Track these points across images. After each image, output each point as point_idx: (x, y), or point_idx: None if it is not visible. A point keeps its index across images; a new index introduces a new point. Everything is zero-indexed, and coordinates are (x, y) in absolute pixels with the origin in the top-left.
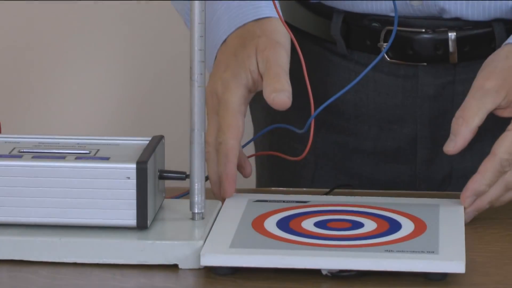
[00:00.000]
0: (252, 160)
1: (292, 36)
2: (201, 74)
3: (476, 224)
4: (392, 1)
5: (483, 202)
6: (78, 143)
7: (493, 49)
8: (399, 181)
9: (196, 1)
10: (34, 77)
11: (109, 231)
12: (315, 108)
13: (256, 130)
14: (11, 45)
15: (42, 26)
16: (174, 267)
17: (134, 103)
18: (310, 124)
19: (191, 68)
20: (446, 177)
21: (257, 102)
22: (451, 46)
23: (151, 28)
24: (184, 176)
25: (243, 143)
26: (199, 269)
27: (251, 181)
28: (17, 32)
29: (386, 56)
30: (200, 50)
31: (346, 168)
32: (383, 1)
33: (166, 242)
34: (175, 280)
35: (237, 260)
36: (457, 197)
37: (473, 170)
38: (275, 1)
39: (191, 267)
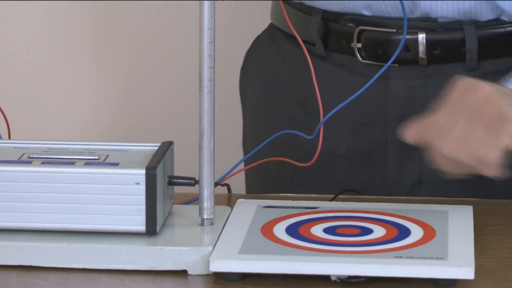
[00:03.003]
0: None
1: (304, 48)
2: (210, 80)
3: (485, 230)
4: (360, 3)
5: None
6: (87, 149)
7: (464, 53)
8: (370, 185)
9: (205, 6)
10: (42, 80)
11: (118, 237)
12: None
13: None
14: (17, 47)
15: (50, 26)
16: (183, 273)
17: (144, 107)
18: (320, 130)
19: (200, 74)
20: (416, 181)
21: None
22: (421, 48)
23: (161, 29)
24: (194, 182)
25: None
26: (208, 275)
27: (241, 183)
28: (23, 33)
29: (359, 57)
30: (209, 56)
31: (322, 172)
32: (360, 3)
33: (175, 248)
34: (184, 286)
35: (247, 266)
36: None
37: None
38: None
39: (200, 273)
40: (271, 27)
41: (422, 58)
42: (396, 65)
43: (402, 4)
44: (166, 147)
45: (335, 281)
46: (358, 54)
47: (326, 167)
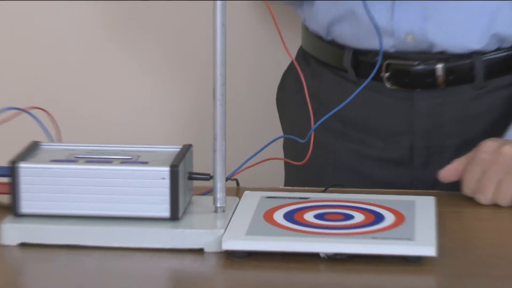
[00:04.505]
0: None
1: (293, 59)
2: (222, 95)
3: (447, 216)
4: (388, 39)
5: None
6: (122, 150)
7: (473, 76)
8: (399, 182)
9: (218, 30)
10: (89, 85)
11: (147, 222)
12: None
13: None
14: (66, 52)
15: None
16: (200, 251)
17: (168, 115)
18: (311, 135)
19: (214, 90)
20: (435, 181)
21: (284, 117)
22: (439, 76)
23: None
24: (209, 177)
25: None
26: (220, 252)
27: (281, 179)
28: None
29: (387, 84)
30: (221, 75)
31: (358, 170)
32: (386, 41)
33: (193, 230)
34: (201, 262)
35: (252, 245)
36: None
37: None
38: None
39: (214, 251)
40: (304, 52)
41: (440, 83)
42: (419, 89)
43: (379, 38)
44: (187, 149)
45: (323, 257)
46: (387, 82)
47: (364, 166)
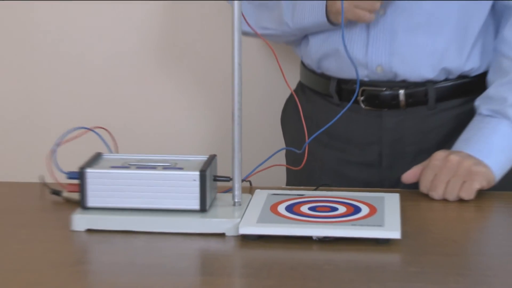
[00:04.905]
0: (283, 169)
1: (292, 91)
2: (239, 116)
3: (410, 209)
4: (363, 70)
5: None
6: (164, 159)
7: (427, 100)
8: (371, 181)
9: (236, 69)
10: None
11: (183, 213)
12: (311, 137)
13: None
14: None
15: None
16: (222, 235)
17: (200, 132)
18: (305, 147)
19: (232, 113)
20: (399, 179)
21: (286, 129)
22: (401, 99)
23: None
24: (229, 179)
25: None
26: (237, 236)
27: (283, 180)
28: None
29: (362, 105)
30: (238, 102)
31: (340, 172)
32: (361, 72)
33: (217, 219)
34: (223, 243)
35: (261, 230)
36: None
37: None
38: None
39: (233, 235)
40: (301, 84)
41: (402, 105)
42: (386, 109)
43: (356, 73)
44: (212, 158)
45: (315, 239)
46: (362, 104)
47: (344, 169)
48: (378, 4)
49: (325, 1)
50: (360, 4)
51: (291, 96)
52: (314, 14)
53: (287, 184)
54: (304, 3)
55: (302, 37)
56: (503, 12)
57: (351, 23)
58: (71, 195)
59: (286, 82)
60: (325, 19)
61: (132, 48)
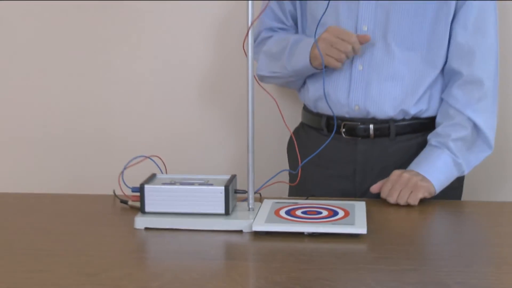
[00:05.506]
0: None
1: (291, 132)
2: (252, 152)
3: (374, 212)
4: (345, 109)
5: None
6: (199, 178)
7: (389, 133)
8: (347, 191)
9: (250, 121)
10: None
11: (212, 216)
12: (303, 161)
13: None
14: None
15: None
16: (240, 232)
17: (225, 160)
18: (299, 169)
19: (247, 145)
20: (368, 189)
21: (291, 153)
22: (371, 132)
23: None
24: (245, 192)
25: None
26: (251, 232)
27: (285, 192)
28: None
29: (343, 135)
30: (251, 147)
31: (326, 184)
32: (343, 110)
33: (237, 220)
34: (241, 237)
35: (268, 228)
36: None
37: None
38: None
39: (248, 231)
40: (302, 122)
41: (371, 136)
42: (360, 138)
43: (334, 121)
44: (233, 177)
45: (306, 234)
46: (343, 134)
47: (328, 181)
48: (343, 56)
49: (310, 48)
50: (330, 53)
51: (294, 132)
52: (302, 58)
53: (289, 193)
54: (297, 49)
55: (302, 80)
56: (451, 75)
57: (338, 72)
58: (134, 203)
59: (285, 124)
60: (308, 63)
61: (184, 89)
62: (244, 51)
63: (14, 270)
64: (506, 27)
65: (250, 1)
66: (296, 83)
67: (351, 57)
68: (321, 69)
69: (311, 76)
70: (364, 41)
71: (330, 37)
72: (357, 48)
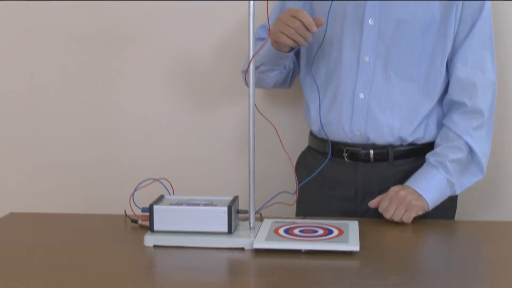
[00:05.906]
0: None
1: (292, 162)
2: (253, 179)
3: (366, 231)
4: (348, 135)
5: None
6: (203, 198)
7: (388, 158)
8: (349, 210)
9: (251, 150)
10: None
11: (216, 234)
12: (301, 183)
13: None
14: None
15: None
16: (242, 249)
17: (229, 183)
18: (296, 190)
19: (249, 173)
20: (368, 208)
21: (301, 171)
22: (371, 157)
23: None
24: (247, 212)
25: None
26: (252, 249)
27: (285, 212)
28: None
29: (346, 159)
30: (253, 172)
31: (329, 203)
32: (346, 136)
33: (239, 238)
34: (243, 254)
35: (268, 245)
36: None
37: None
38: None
39: (249, 248)
40: (308, 146)
41: (371, 160)
42: (361, 162)
43: (329, 146)
44: (235, 198)
45: (303, 251)
46: (346, 158)
47: (331, 201)
48: (292, 31)
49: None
50: (282, 29)
51: (300, 156)
52: (267, 43)
53: (296, 212)
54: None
55: (281, 71)
56: (452, 105)
57: (341, 101)
58: (144, 222)
59: (285, 151)
60: (270, 44)
61: (189, 117)
62: (245, 81)
63: (31, 286)
64: (506, 27)
65: (251, 1)
66: (279, 76)
67: (309, 40)
68: (285, 51)
69: (313, 103)
70: (319, 23)
71: (283, 16)
72: (308, 24)
